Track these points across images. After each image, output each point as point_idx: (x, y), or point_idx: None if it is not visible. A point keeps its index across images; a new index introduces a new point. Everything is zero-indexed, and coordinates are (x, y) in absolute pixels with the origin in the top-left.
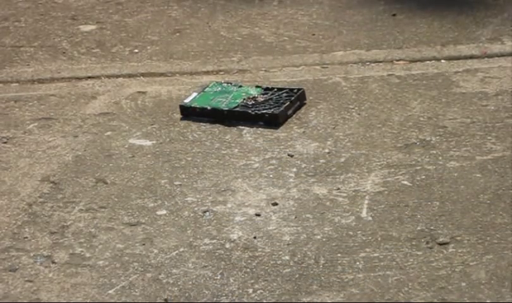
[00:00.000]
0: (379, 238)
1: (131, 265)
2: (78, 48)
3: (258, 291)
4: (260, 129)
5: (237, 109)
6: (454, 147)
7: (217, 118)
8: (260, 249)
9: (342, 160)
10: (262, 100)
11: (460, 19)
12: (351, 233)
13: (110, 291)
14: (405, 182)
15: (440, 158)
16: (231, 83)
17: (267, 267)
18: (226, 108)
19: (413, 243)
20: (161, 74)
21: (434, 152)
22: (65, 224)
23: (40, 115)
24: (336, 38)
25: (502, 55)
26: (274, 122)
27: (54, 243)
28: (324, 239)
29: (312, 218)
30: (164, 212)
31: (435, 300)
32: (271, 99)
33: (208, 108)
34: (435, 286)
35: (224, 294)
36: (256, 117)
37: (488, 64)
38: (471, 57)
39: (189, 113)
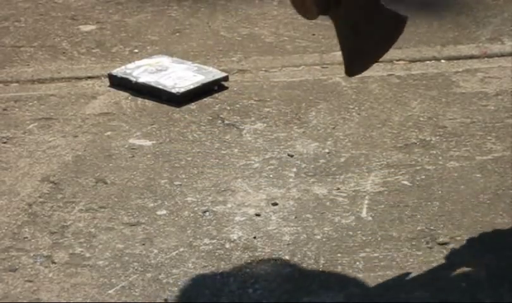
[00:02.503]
0: (379, 238)
1: (131, 265)
2: (78, 48)
3: (258, 291)
4: (260, 129)
5: None
6: (454, 147)
7: None
8: (260, 249)
9: (342, 160)
10: None
11: (460, 19)
12: (351, 233)
13: (110, 291)
14: (405, 182)
15: (440, 158)
16: None
17: (267, 267)
18: None
19: (413, 243)
20: None
21: (434, 152)
22: (65, 224)
23: (40, 115)
24: (336, 38)
25: (502, 55)
26: None
27: (54, 243)
28: (324, 239)
29: (312, 218)
30: (164, 212)
31: (435, 300)
32: None
33: None
34: (435, 286)
35: (224, 294)
36: None
37: (488, 64)
38: (471, 57)
39: None
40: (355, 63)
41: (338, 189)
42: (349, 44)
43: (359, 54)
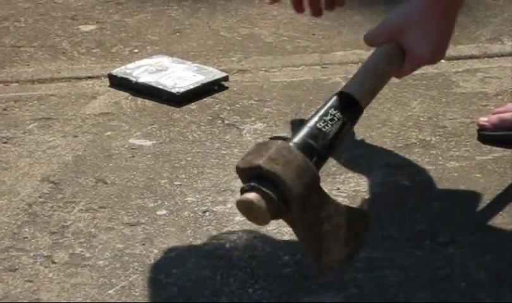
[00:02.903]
0: (379, 238)
1: (131, 265)
2: (78, 48)
3: (258, 291)
4: (260, 129)
5: None
6: (454, 147)
7: None
8: (260, 249)
9: (342, 160)
10: None
11: (460, 19)
12: None
13: (110, 291)
14: (405, 182)
15: (440, 158)
16: None
17: (267, 267)
18: None
19: (413, 243)
20: None
21: (434, 152)
22: (65, 224)
23: (40, 115)
24: (336, 38)
25: (502, 55)
26: None
27: (54, 243)
28: None
29: None
30: (164, 212)
31: (435, 300)
32: None
33: None
34: (435, 286)
35: (224, 294)
36: None
37: (488, 64)
38: (471, 57)
39: None
40: (323, 261)
41: (338, 189)
42: (310, 245)
43: (324, 253)
